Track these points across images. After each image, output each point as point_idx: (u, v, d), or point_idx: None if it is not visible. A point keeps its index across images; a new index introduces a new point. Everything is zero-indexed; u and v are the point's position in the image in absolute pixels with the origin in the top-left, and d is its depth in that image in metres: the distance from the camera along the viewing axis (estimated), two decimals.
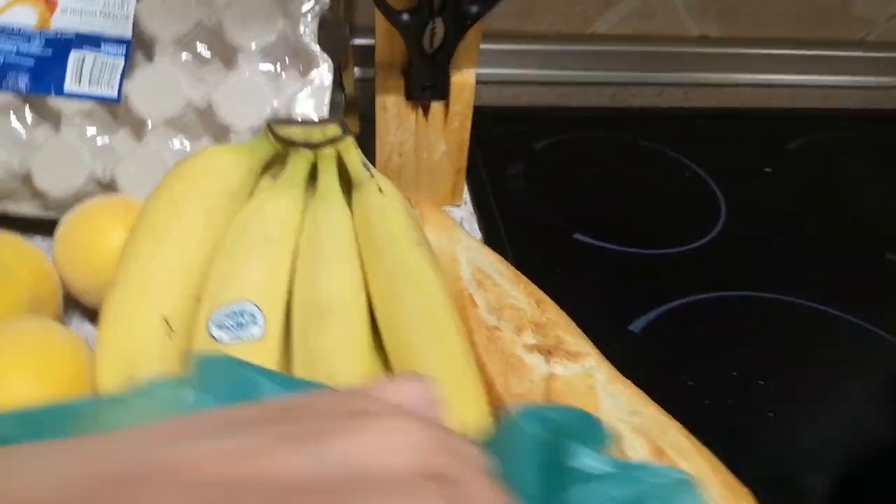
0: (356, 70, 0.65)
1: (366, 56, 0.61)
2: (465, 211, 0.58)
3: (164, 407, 0.19)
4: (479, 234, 0.56)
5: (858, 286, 0.56)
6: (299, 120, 0.44)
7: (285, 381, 0.21)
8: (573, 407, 0.22)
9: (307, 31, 0.48)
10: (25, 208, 0.48)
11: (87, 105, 0.47)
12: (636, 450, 0.35)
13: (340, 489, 0.17)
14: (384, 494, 0.17)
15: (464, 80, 0.51)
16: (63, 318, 0.44)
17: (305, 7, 0.47)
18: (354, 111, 0.60)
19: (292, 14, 0.48)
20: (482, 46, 0.71)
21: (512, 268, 0.47)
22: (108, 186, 0.48)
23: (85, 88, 0.47)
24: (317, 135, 0.39)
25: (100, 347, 0.37)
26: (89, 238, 0.42)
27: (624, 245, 0.57)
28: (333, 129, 0.39)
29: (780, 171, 0.68)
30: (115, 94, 0.47)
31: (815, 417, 0.45)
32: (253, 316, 0.36)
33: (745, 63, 0.77)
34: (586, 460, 0.19)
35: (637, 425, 0.36)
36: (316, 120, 0.44)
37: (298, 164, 0.40)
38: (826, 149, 0.73)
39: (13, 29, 0.46)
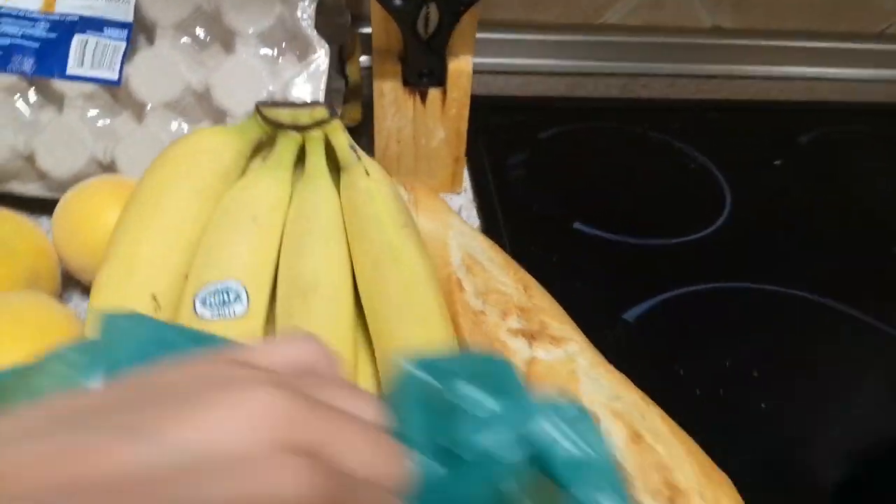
0: (363, 59, 0.65)
1: (369, 44, 0.61)
2: (464, 199, 0.58)
3: (58, 379, 0.18)
4: (477, 222, 0.56)
5: (862, 280, 0.55)
6: (288, 102, 0.45)
7: (197, 337, 0.21)
8: (475, 353, 0.21)
9: (305, 16, 0.48)
10: (30, 188, 0.50)
11: (89, 88, 0.48)
12: (613, 433, 0.35)
13: (182, 480, 0.15)
14: (232, 479, 0.15)
15: (460, 66, 0.51)
16: (61, 296, 0.45)
17: None
18: (358, 99, 0.61)
19: None
20: (491, 36, 0.72)
21: (503, 253, 0.47)
22: (109, 167, 0.49)
23: (87, 71, 0.48)
24: (304, 117, 0.39)
25: (90, 322, 0.38)
26: (85, 216, 0.43)
27: (624, 235, 0.57)
28: (321, 112, 0.39)
29: (790, 164, 0.67)
30: (115, 76, 0.48)
31: (809, 410, 0.45)
32: (237, 294, 0.37)
33: (759, 55, 0.76)
34: (474, 399, 0.19)
35: (616, 409, 0.36)
36: (306, 102, 0.45)
37: (286, 146, 0.40)
38: (839, 142, 0.71)
39: (19, 12, 0.48)
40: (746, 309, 0.52)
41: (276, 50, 0.49)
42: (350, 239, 0.40)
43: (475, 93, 0.53)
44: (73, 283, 0.46)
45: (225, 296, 0.37)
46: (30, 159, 0.48)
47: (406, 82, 0.51)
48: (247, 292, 0.37)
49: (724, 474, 0.35)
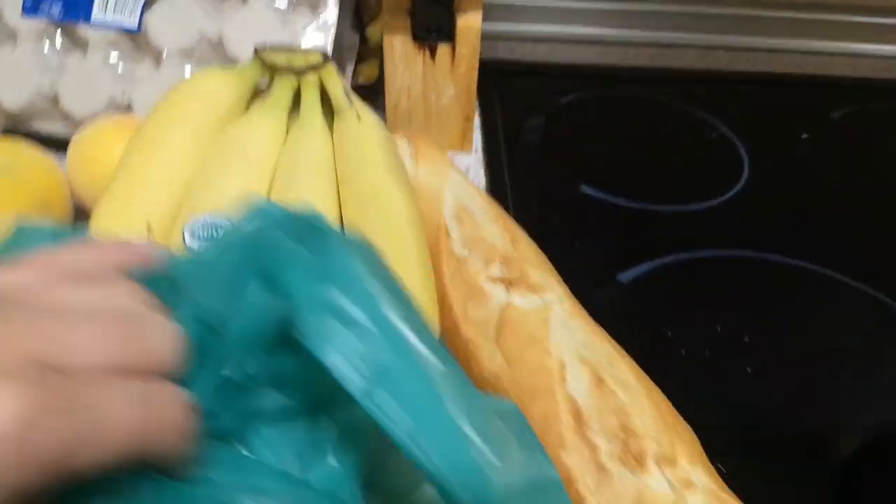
0: None
1: None
2: (473, 158, 0.59)
3: None
4: (483, 181, 0.57)
5: (875, 257, 0.53)
6: (286, 47, 0.46)
7: (58, 233, 0.21)
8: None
9: None
10: (54, 128, 0.52)
11: (111, 34, 0.50)
12: (577, 378, 0.35)
13: None
14: None
15: (469, 23, 0.51)
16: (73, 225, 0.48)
17: None
18: (376, 56, 0.62)
19: None
20: (519, 2, 0.72)
21: (498, 207, 0.47)
22: (126, 109, 0.51)
23: (110, 17, 0.50)
24: (299, 60, 0.41)
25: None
26: (95, 152, 0.45)
27: (630, 200, 0.56)
28: (315, 56, 0.41)
29: (818, 139, 0.66)
30: (135, 24, 0.50)
31: (796, 377, 0.44)
32: (225, 227, 0.38)
33: (800, 28, 0.73)
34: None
35: (583, 356, 0.36)
36: (304, 48, 0.46)
37: (282, 88, 0.41)
38: (874, 119, 0.69)
39: None
40: (747, 278, 0.51)
41: (289, 1, 0.51)
42: (339, 181, 0.41)
43: (499, 57, 0.53)
44: (85, 217, 0.49)
45: (214, 230, 0.38)
46: (54, 100, 0.51)
47: (415, 37, 0.52)
48: None
49: (686, 424, 0.35)
